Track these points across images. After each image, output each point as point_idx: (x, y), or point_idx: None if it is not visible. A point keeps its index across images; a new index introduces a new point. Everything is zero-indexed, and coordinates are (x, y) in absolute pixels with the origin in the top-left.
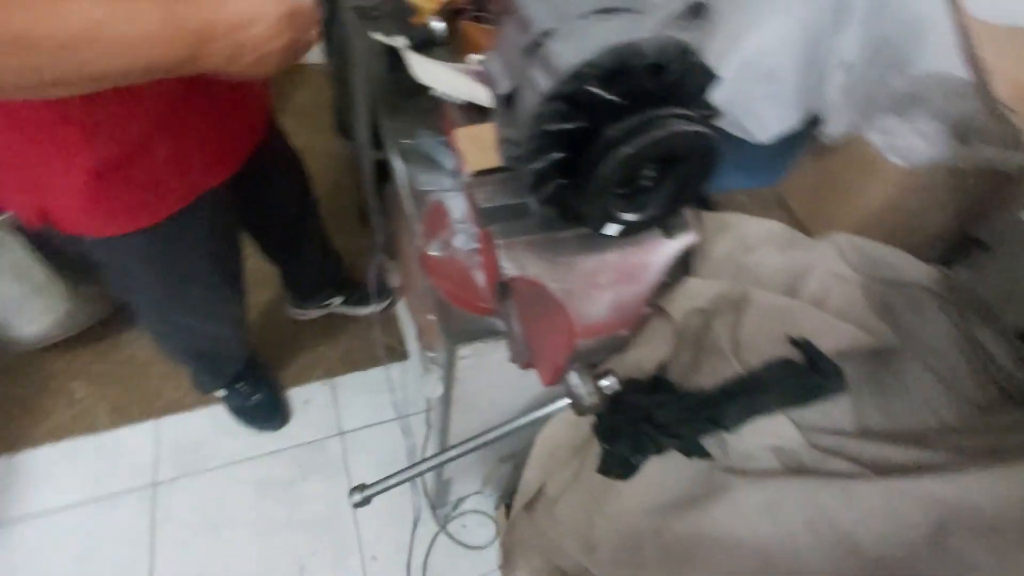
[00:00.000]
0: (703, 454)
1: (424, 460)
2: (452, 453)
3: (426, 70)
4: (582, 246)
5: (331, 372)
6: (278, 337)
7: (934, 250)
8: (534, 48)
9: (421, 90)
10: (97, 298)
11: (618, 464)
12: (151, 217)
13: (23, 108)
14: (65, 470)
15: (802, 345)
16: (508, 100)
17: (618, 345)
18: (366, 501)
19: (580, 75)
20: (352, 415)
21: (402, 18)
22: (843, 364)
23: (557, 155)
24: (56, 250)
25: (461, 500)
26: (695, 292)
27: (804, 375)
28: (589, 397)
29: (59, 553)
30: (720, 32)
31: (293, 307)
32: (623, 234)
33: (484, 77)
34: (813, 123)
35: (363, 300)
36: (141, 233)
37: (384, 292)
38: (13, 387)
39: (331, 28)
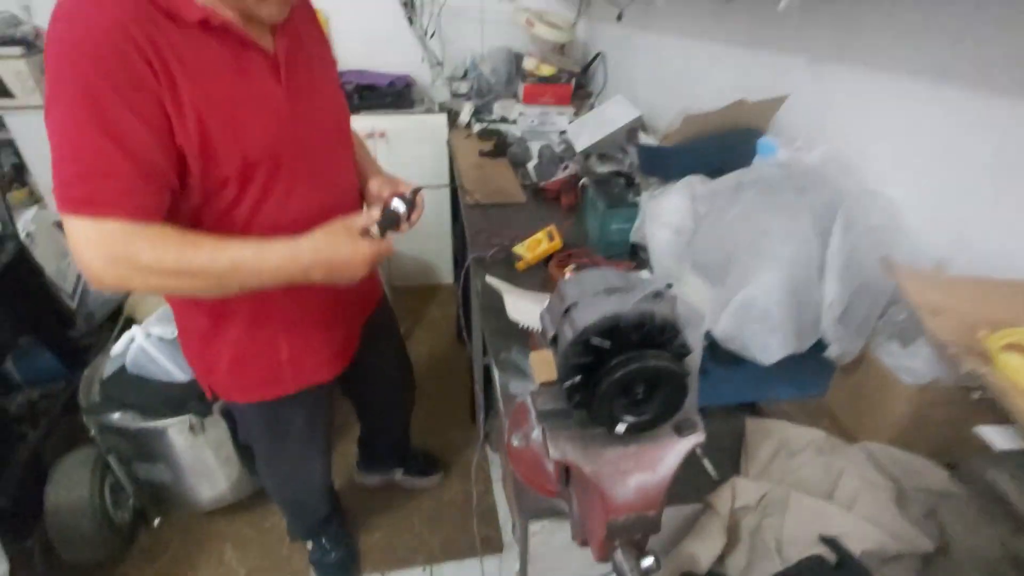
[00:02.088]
0: None
1: None
2: None
3: (516, 307)
4: (609, 440)
5: (431, 559)
6: (387, 519)
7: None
8: (566, 312)
9: None
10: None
11: None
12: (270, 393)
13: (195, 317)
14: None
15: (831, 544)
16: (553, 341)
17: (650, 524)
18: None
19: (588, 331)
20: None
21: (509, 265)
22: (882, 566)
23: (577, 378)
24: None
25: None
26: (741, 491)
27: (832, 573)
28: (631, 573)
29: None
30: (726, 285)
31: (360, 471)
32: (629, 431)
33: (541, 324)
34: None
35: (420, 472)
36: (260, 404)
37: (435, 468)
38: (178, 544)
39: (462, 261)
